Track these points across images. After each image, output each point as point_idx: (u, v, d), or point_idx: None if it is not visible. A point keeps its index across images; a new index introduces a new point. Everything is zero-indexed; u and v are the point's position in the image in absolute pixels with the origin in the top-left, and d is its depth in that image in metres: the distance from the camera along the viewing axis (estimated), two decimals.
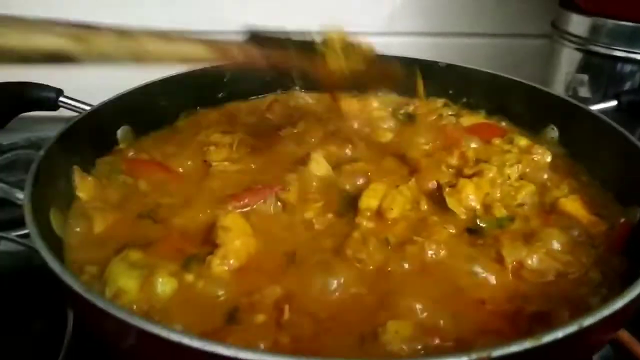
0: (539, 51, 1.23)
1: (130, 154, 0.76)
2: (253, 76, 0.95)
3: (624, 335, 0.51)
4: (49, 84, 0.79)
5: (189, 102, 0.90)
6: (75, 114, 0.75)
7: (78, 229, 0.62)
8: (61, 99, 0.75)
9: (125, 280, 0.52)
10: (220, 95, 0.94)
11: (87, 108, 0.76)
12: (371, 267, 0.56)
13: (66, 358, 0.56)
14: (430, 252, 0.57)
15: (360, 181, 0.70)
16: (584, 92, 1.07)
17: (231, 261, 0.56)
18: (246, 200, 0.65)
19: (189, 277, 0.54)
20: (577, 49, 1.06)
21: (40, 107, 0.77)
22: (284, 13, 1.28)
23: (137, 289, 0.51)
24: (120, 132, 0.79)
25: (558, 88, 1.13)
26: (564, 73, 1.13)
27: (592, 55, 1.03)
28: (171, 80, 0.86)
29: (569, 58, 1.10)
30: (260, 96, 0.98)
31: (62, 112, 0.79)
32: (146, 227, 0.63)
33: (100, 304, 0.41)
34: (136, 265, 0.54)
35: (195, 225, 0.62)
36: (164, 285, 0.52)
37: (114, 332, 0.44)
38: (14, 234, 0.73)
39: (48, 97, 0.76)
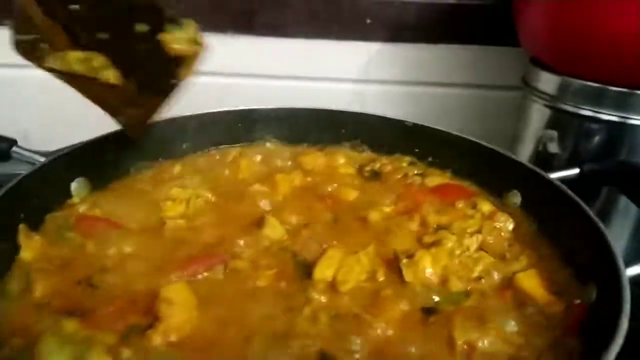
0: (512, 103, 1.23)
1: (82, 209, 0.74)
2: (219, 127, 0.94)
3: None
4: (2, 134, 0.76)
5: (150, 153, 0.87)
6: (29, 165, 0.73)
7: (15, 294, 0.59)
8: (14, 149, 0.73)
9: None
10: (184, 147, 0.92)
11: (42, 159, 0.74)
12: (319, 347, 0.54)
13: None
14: (378, 331, 0.55)
15: (317, 247, 0.68)
16: (553, 147, 1.07)
17: (172, 337, 0.53)
18: (191, 270, 0.62)
19: (126, 353, 0.51)
20: (546, 106, 1.07)
21: None
22: (261, 59, 1.29)
23: None
24: (74, 185, 0.77)
25: (528, 142, 1.14)
26: (534, 128, 1.13)
27: (560, 113, 1.04)
28: None
29: (538, 113, 1.11)
30: (223, 146, 0.96)
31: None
32: (87, 293, 0.60)
33: None
34: (70, 340, 0.51)
35: (140, 291, 0.59)
36: None
37: None
38: None
39: None
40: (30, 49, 0.52)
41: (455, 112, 1.32)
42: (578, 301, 0.60)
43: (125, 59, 0.58)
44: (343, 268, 0.63)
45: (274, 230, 0.69)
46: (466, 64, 1.30)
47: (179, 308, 0.55)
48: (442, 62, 1.31)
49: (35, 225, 0.69)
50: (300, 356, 0.52)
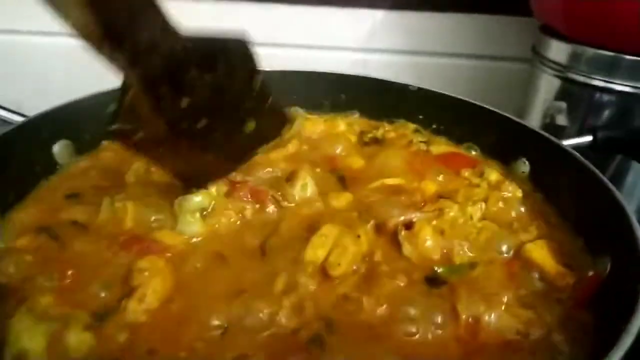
0: (519, 75, 1.18)
1: None
2: None
3: None
4: None
5: None
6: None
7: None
8: None
9: (29, 339, 0.44)
10: None
11: (20, 119, 0.69)
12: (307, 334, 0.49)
13: None
14: (369, 309, 0.51)
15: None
16: (561, 120, 1.03)
17: (150, 302, 0.50)
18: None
19: (108, 329, 0.47)
20: (556, 76, 1.02)
21: None
22: (264, 27, 1.23)
23: (43, 347, 0.44)
24: (57, 148, 0.72)
25: (536, 114, 1.09)
26: (542, 99, 1.09)
27: (570, 83, 0.99)
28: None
29: (547, 84, 1.06)
30: None
31: None
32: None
33: None
34: (44, 317, 0.47)
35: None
36: (78, 341, 0.45)
37: None
38: None
39: None
40: (125, 137, 0.50)
41: (460, 84, 1.26)
42: (591, 273, 0.56)
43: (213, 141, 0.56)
44: (337, 248, 0.56)
45: None
46: (473, 34, 1.25)
47: (154, 275, 0.52)
48: (449, 32, 1.26)
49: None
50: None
